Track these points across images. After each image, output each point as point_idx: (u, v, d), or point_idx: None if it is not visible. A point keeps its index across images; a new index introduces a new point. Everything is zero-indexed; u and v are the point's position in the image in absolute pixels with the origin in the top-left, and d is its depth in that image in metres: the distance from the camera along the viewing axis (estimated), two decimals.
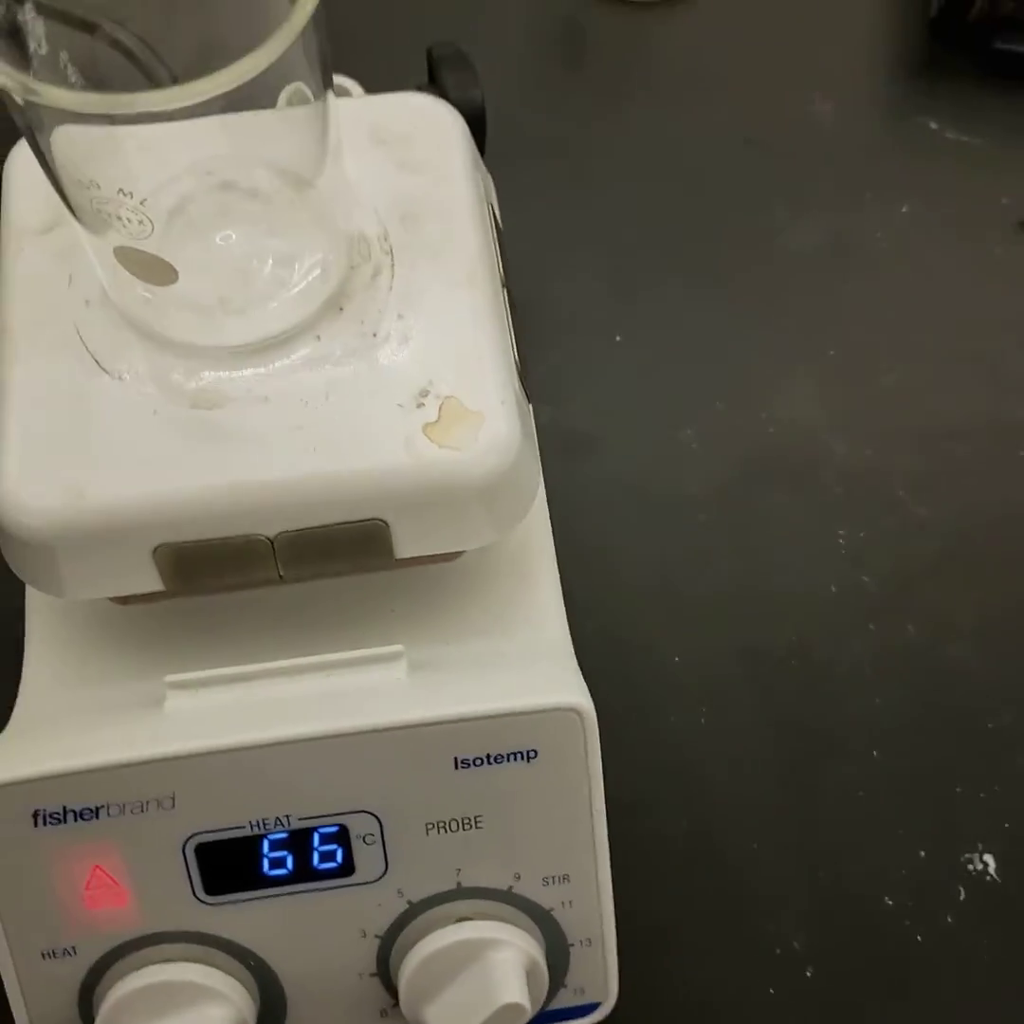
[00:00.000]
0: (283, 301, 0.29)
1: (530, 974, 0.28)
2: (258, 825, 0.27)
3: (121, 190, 0.23)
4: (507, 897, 0.29)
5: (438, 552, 0.30)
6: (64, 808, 0.26)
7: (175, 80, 0.26)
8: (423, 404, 0.28)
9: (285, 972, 0.29)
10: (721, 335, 0.44)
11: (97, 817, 0.27)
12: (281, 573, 0.29)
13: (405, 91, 0.34)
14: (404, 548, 0.29)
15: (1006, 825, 0.36)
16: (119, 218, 0.24)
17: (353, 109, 0.33)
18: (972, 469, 0.42)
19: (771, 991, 0.35)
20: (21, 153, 0.31)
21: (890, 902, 0.36)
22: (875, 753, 0.38)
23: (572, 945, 0.30)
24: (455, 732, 0.27)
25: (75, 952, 0.28)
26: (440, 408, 0.28)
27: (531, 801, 0.28)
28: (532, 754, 0.28)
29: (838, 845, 0.36)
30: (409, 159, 0.32)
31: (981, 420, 0.43)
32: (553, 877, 0.29)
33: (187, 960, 0.28)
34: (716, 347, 0.44)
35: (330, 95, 0.27)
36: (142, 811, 0.27)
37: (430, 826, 0.28)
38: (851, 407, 0.43)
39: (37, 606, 0.33)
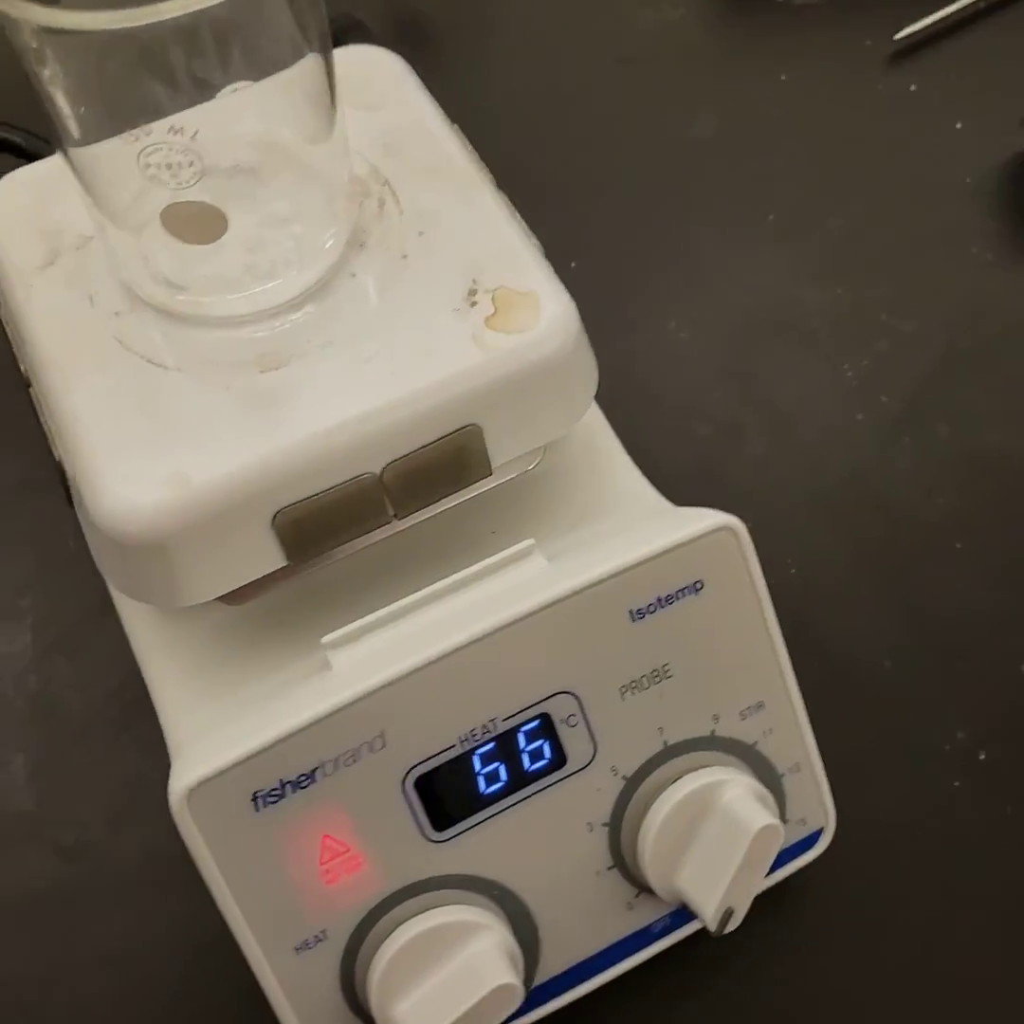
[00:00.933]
0: (307, 254, 0.29)
1: (763, 803, 0.29)
2: (467, 738, 0.27)
3: (172, 128, 0.24)
4: (712, 742, 0.29)
5: (528, 448, 0.30)
6: (280, 781, 0.26)
7: None
8: (476, 302, 0.29)
9: (526, 891, 0.29)
10: (663, 233, 0.46)
11: (314, 779, 0.26)
12: (393, 512, 0.29)
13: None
14: (498, 453, 0.29)
15: None
16: (169, 166, 0.25)
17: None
18: (936, 275, 0.44)
19: (955, 784, 0.35)
20: None
21: None
22: (958, 545, 0.39)
23: (782, 775, 0.30)
24: (624, 584, 0.27)
25: (326, 936, 0.27)
26: (493, 300, 0.29)
27: (710, 634, 0.28)
28: (699, 585, 0.28)
29: (960, 639, 0.37)
30: (369, 100, 0.33)
31: (930, 229, 0.45)
32: (749, 708, 0.29)
33: (436, 906, 0.27)
34: (665, 244, 0.45)
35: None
36: (355, 760, 0.26)
37: (624, 689, 0.28)
38: (809, 256, 0.45)
39: (143, 626, 0.32)
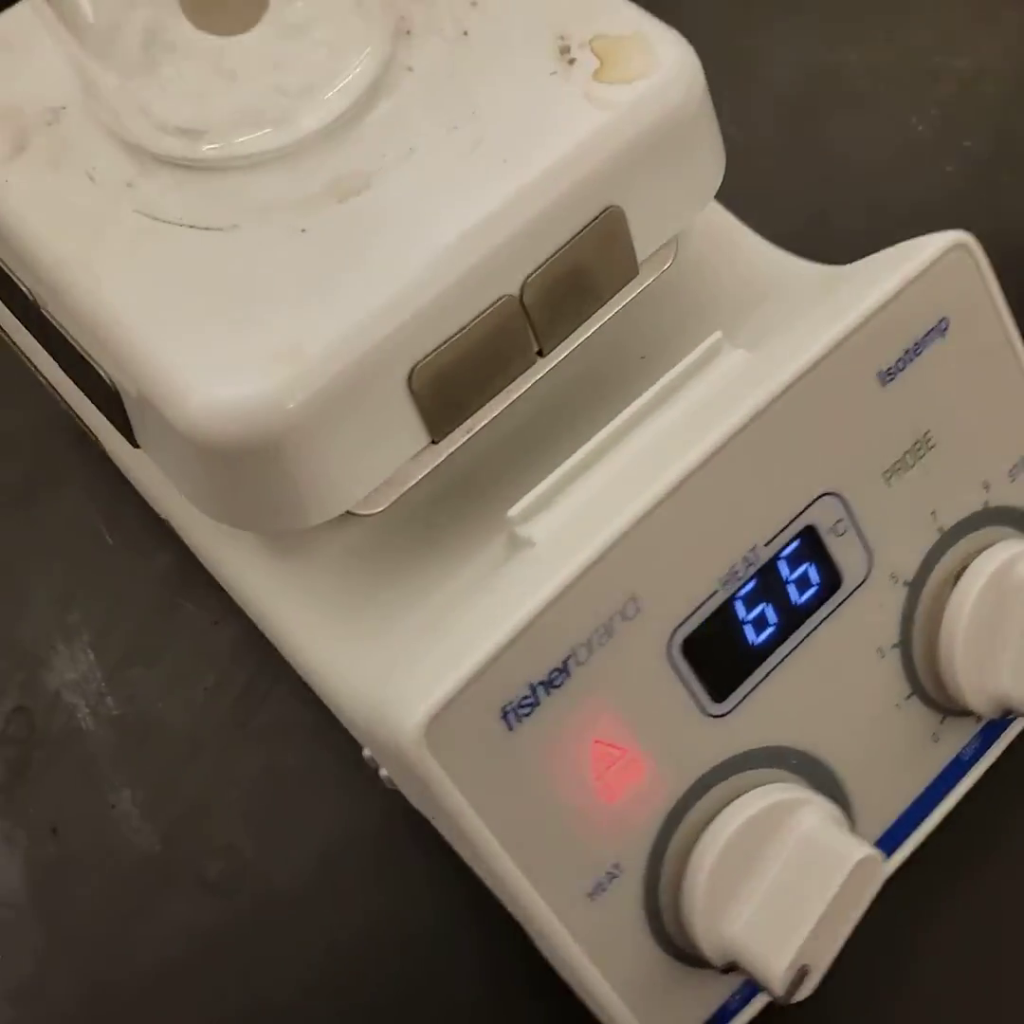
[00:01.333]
0: (345, 57, 0.23)
1: None
2: (729, 579, 0.21)
3: None
4: (987, 516, 0.24)
5: (670, 233, 0.25)
6: (530, 685, 0.20)
7: None
8: (574, 59, 0.23)
9: (825, 750, 0.23)
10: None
11: (568, 672, 0.20)
12: (539, 347, 0.23)
13: None
14: (641, 243, 0.24)
15: None
16: None
17: None
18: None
19: None
20: None
21: None
22: None
23: None
24: (866, 340, 0.22)
25: (621, 869, 0.21)
26: (594, 51, 0.23)
27: (964, 384, 0.23)
28: (945, 324, 0.23)
29: None
30: None
31: None
32: (1017, 465, 0.24)
33: (739, 795, 0.22)
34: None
35: None
36: (609, 635, 0.20)
37: (888, 473, 0.23)
38: (838, 14, 0.40)
39: (265, 573, 0.25)
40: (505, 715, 0.20)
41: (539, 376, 0.24)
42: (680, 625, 0.21)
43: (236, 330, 0.21)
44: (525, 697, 0.20)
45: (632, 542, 0.20)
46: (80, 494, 0.33)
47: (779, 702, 0.22)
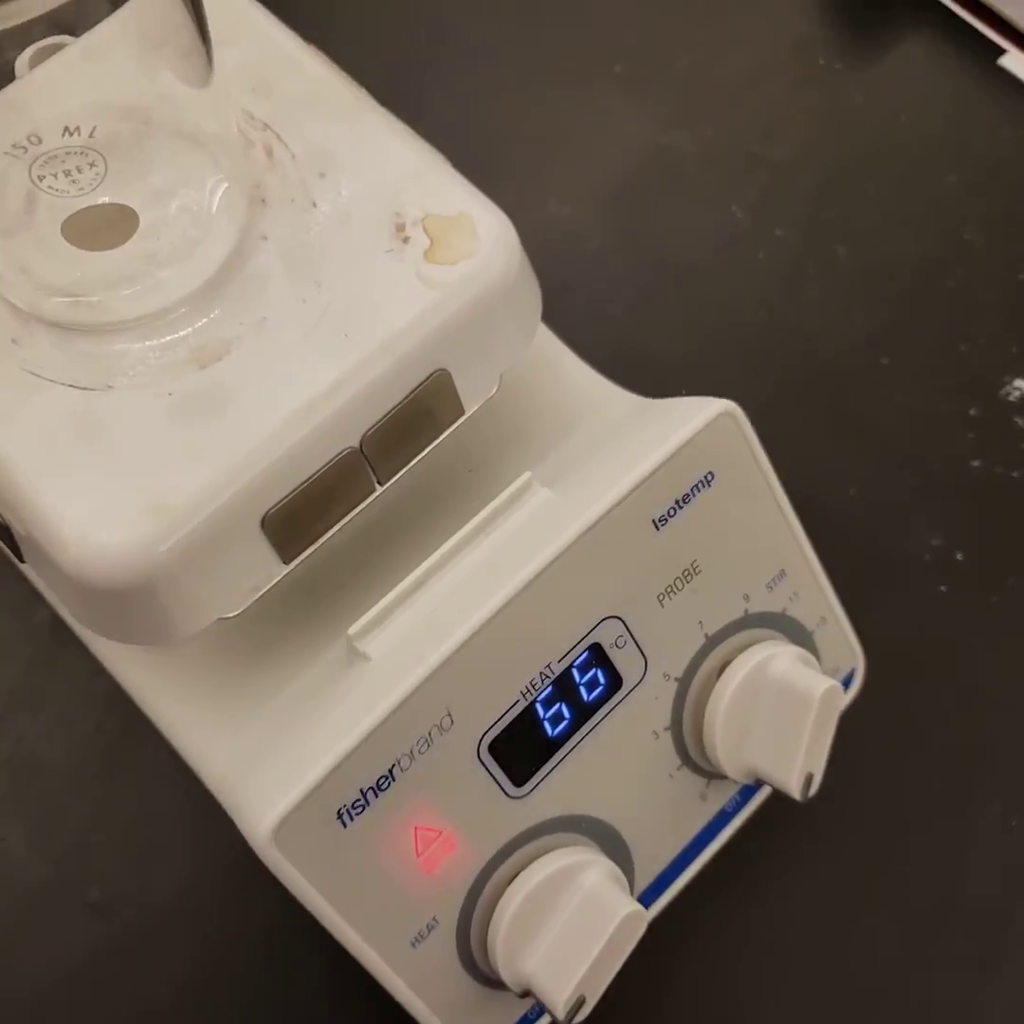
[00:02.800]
0: (209, 226, 0.26)
1: (810, 665, 0.29)
2: (527, 690, 0.26)
3: (67, 128, 0.20)
4: (748, 621, 0.29)
5: (495, 377, 0.29)
6: (361, 790, 0.24)
7: None
8: (408, 237, 0.27)
9: (608, 813, 0.28)
10: (515, 103, 0.43)
11: (393, 778, 0.25)
12: (377, 479, 0.27)
13: None
14: (466, 390, 0.28)
15: None
16: (67, 173, 0.21)
17: (115, 27, 0.30)
18: (792, 95, 0.44)
19: (942, 589, 0.37)
20: None
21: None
22: (884, 360, 0.40)
23: (812, 631, 0.31)
24: (643, 496, 0.27)
25: (437, 922, 0.26)
26: (424, 230, 0.27)
27: (727, 521, 0.28)
28: (710, 477, 0.27)
29: (910, 448, 0.38)
30: (216, 36, 0.29)
31: (775, 50, 0.44)
32: (773, 579, 0.29)
33: (534, 858, 0.27)
34: (519, 114, 0.43)
35: None
36: (428, 746, 0.25)
37: (661, 596, 0.28)
38: (667, 100, 0.43)
39: (132, 664, 0.29)
40: (339, 815, 0.24)
41: (375, 497, 0.28)
42: (487, 731, 0.26)
43: (112, 484, 0.24)
44: (357, 800, 0.24)
45: (450, 667, 0.25)
46: None
47: (571, 779, 0.28)
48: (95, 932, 0.33)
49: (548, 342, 0.33)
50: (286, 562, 0.27)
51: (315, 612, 0.29)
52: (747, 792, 0.31)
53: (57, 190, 0.22)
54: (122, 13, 0.29)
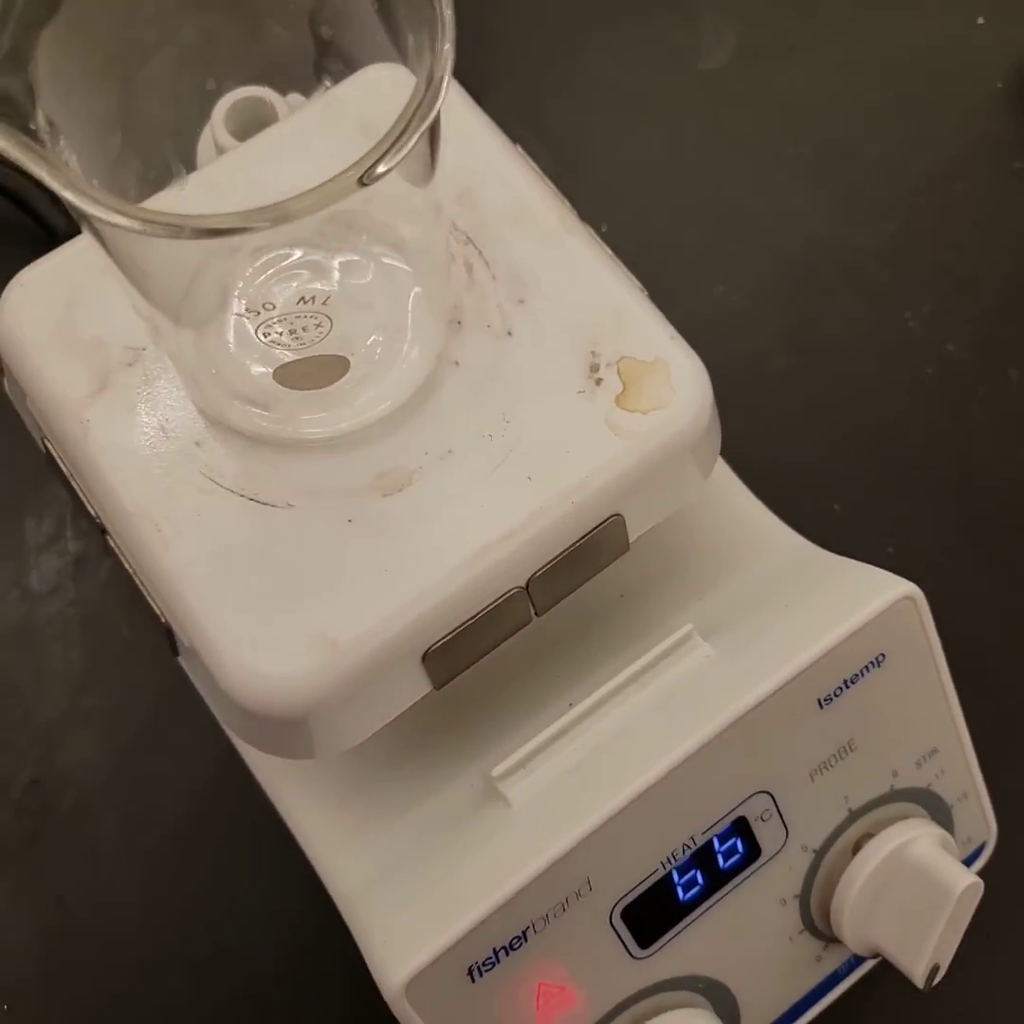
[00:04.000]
0: (408, 349, 0.26)
1: (949, 849, 0.28)
2: (667, 861, 0.26)
3: (302, 298, 0.20)
4: (892, 796, 0.28)
5: (664, 516, 0.28)
6: (494, 949, 0.24)
7: None
8: (601, 379, 0.26)
9: (724, 973, 0.28)
10: (694, 181, 0.42)
11: (525, 939, 0.25)
12: (535, 611, 0.27)
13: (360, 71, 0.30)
14: (636, 530, 0.27)
15: None
16: (294, 332, 0.21)
17: (327, 108, 0.29)
18: (983, 198, 0.42)
19: None
20: (16, 331, 0.27)
21: None
22: None
23: (952, 806, 0.30)
24: (812, 676, 0.26)
25: None
26: (619, 374, 0.26)
27: (890, 701, 0.27)
28: (881, 658, 0.27)
29: None
30: None
31: (967, 145, 0.42)
32: (924, 756, 0.29)
33: (646, 1017, 0.27)
34: (698, 193, 0.42)
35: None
36: (564, 910, 0.25)
37: (813, 772, 0.27)
38: (852, 190, 0.42)
39: (274, 769, 0.29)
40: (470, 972, 0.24)
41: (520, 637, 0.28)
42: (622, 896, 0.25)
43: (282, 612, 0.24)
44: (488, 958, 0.24)
45: (596, 836, 0.25)
46: (100, 584, 0.37)
47: (693, 942, 0.27)
48: (199, 995, 0.33)
49: (719, 470, 0.32)
50: (437, 687, 0.26)
51: (453, 733, 0.28)
52: (857, 960, 0.30)
53: (280, 344, 0.21)
54: (341, 90, 0.29)
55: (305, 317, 0.20)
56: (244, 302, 0.20)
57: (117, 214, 0.16)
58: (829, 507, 0.38)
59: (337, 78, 0.29)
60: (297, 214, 0.16)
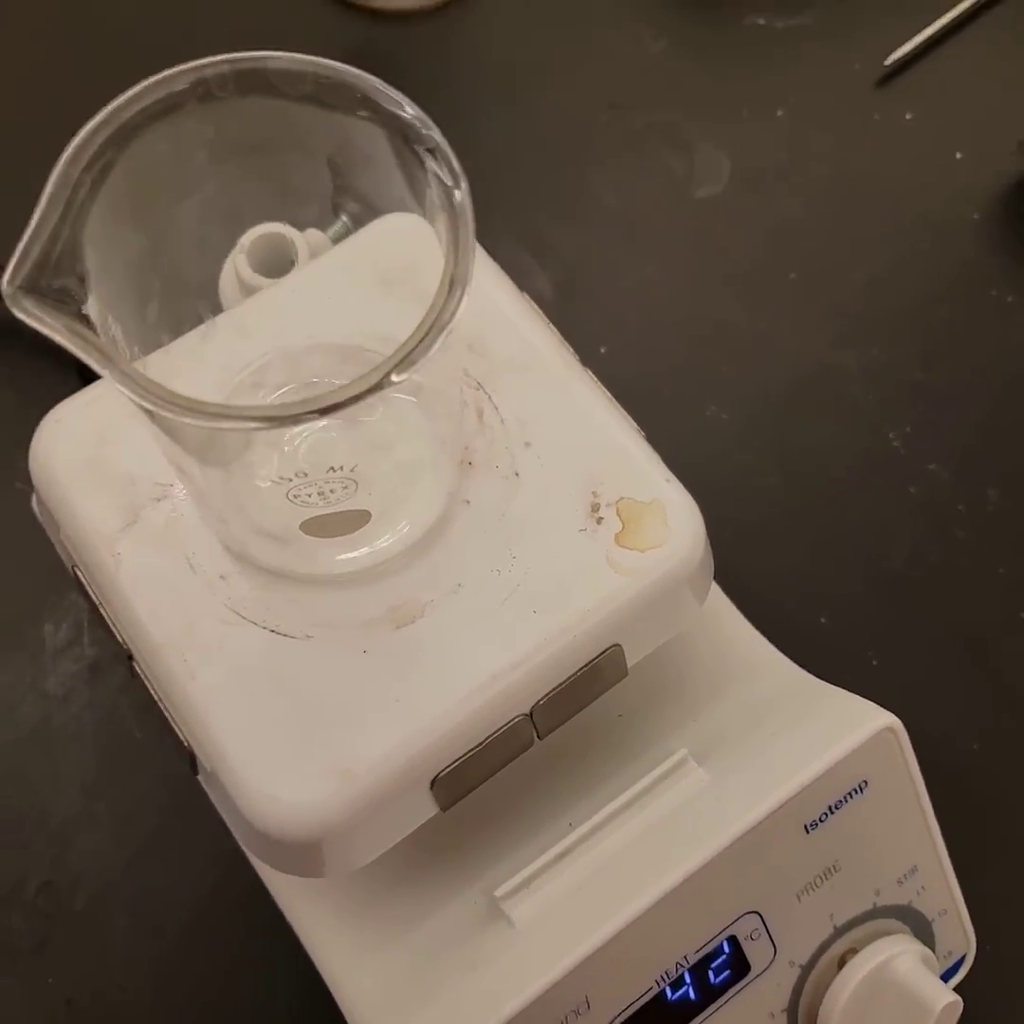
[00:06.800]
0: (423, 489, 0.28)
1: (930, 966, 0.29)
2: (662, 978, 0.27)
3: (332, 467, 0.22)
4: (875, 913, 0.30)
5: (660, 643, 0.30)
6: None
7: None
8: (602, 518, 0.28)
9: None
10: (688, 306, 0.44)
11: None
12: (538, 735, 0.28)
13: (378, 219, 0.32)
14: (634, 658, 0.29)
15: None
16: (322, 493, 0.23)
17: (347, 256, 0.31)
18: (963, 325, 0.44)
19: None
20: (50, 465, 0.28)
21: None
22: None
23: (933, 921, 0.31)
24: (799, 803, 0.27)
25: None
26: (618, 513, 0.28)
27: (872, 824, 0.29)
28: (864, 785, 0.28)
29: None
30: (429, 286, 0.30)
31: (949, 273, 0.45)
32: (905, 875, 0.30)
33: None
34: (691, 316, 0.44)
35: None
36: None
37: (800, 892, 0.28)
38: (839, 314, 0.44)
39: (284, 883, 0.31)
40: None
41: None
42: (618, 1014, 0.27)
43: (297, 738, 0.26)
44: None
45: (596, 958, 0.26)
46: (114, 688, 0.38)
47: None
48: None
49: (715, 596, 0.33)
50: (443, 810, 0.28)
51: (456, 852, 0.30)
52: None
53: (308, 504, 0.23)
54: (360, 237, 0.31)
55: (334, 482, 0.22)
56: (275, 468, 0.22)
57: (185, 413, 0.18)
58: (815, 619, 0.39)
59: (353, 215, 0.31)
60: (347, 404, 0.18)
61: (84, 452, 0.28)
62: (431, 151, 0.22)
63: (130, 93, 0.20)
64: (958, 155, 0.47)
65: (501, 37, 0.49)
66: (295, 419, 0.18)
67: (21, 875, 0.36)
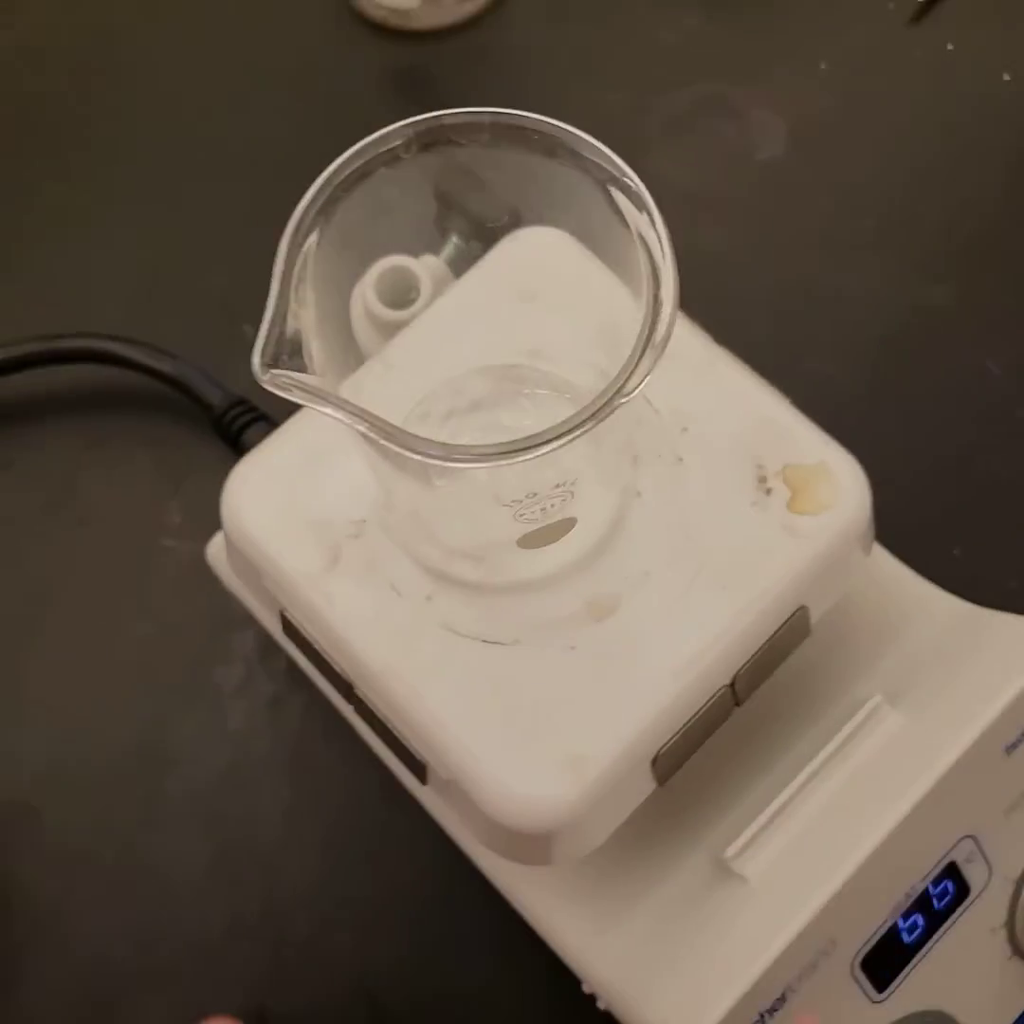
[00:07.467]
0: (601, 488, 0.29)
1: None
2: (894, 910, 0.29)
3: (559, 485, 0.23)
4: None
5: (839, 598, 0.31)
6: (760, 1013, 0.27)
7: None
8: (770, 489, 0.29)
9: (952, 1005, 0.31)
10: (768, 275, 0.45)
11: (784, 1000, 0.27)
12: (737, 702, 0.30)
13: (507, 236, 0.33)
14: (817, 615, 0.30)
15: None
16: (544, 509, 0.24)
17: (486, 278, 0.32)
18: None
19: None
20: (244, 520, 0.30)
21: None
22: None
23: None
24: (998, 727, 0.29)
25: None
26: (785, 481, 0.29)
27: None
28: None
29: None
30: (568, 297, 0.31)
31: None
32: None
33: None
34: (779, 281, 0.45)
35: None
36: (814, 969, 0.28)
37: (1007, 810, 0.30)
38: (925, 258, 0.45)
39: (520, 882, 0.32)
40: None
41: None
42: (860, 948, 0.28)
43: (526, 737, 0.27)
44: (756, 1022, 0.27)
45: (836, 900, 0.27)
46: (295, 721, 0.40)
47: (920, 979, 0.30)
48: None
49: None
50: (661, 784, 0.29)
51: (672, 821, 0.31)
52: None
53: (531, 521, 0.25)
54: (493, 257, 0.32)
55: (556, 496, 0.24)
56: (510, 491, 0.23)
57: (451, 460, 0.20)
58: (949, 553, 0.41)
59: (461, 233, 0.33)
60: (582, 431, 0.20)
61: (275, 503, 0.30)
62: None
63: (334, 166, 0.22)
64: (1005, 77, 0.48)
65: (537, 42, 0.50)
66: (547, 445, 0.20)
67: (242, 907, 0.38)
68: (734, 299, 0.45)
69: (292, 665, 0.40)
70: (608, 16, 0.51)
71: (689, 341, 0.31)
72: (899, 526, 0.38)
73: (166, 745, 0.40)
